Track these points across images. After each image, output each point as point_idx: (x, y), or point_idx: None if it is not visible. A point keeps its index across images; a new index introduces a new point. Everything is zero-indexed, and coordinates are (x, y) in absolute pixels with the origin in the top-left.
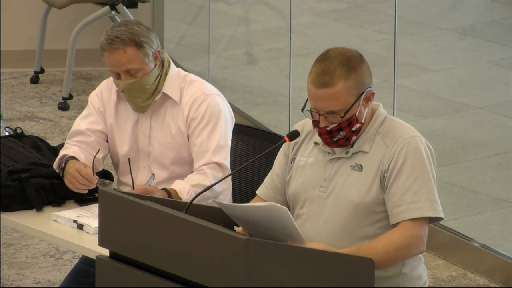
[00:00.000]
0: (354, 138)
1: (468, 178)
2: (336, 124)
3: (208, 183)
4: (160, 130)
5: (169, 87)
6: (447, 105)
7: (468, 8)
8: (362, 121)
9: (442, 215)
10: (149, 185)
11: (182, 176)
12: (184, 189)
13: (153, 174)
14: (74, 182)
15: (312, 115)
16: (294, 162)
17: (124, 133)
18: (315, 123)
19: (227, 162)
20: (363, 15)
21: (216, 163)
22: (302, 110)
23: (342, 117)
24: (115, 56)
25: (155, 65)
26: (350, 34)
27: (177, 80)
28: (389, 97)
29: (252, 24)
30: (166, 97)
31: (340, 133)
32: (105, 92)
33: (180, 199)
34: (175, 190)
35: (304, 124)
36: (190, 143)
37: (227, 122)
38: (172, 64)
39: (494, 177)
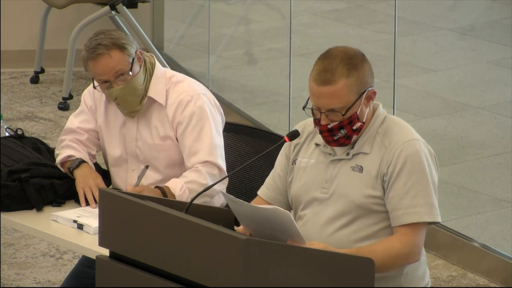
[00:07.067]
0: (355, 137)
1: (468, 178)
2: (337, 122)
3: (203, 181)
4: (147, 132)
5: (154, 90)
6: (447, 105)
7: (468, 8)
8: (364, 120)
9: (439, 219)
10: (139, 176)
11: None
12: (177, 185)
13: (146, 166)
14: (89, 194)
15: (313, 113)
16: (295, 164)
17: (114, 134)
18: (316, 121)
19: (220, 162)
20: (363, 15)
21: (209, 161)
22: (304, 108)
23: (343, 115)
24: (102, 63)
25: (140, 67)
26: (350, 34)
27: (162, 82)
28: (389, 97)
29: (252, 24)
30: (152, 100)
31: (341, 131)
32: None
33: (174, 195)
34: (168, 187)
35: (305, 125)
36: (180, 145)
37: (215, 121)
38: (157, 65)
39: (494, 177)
